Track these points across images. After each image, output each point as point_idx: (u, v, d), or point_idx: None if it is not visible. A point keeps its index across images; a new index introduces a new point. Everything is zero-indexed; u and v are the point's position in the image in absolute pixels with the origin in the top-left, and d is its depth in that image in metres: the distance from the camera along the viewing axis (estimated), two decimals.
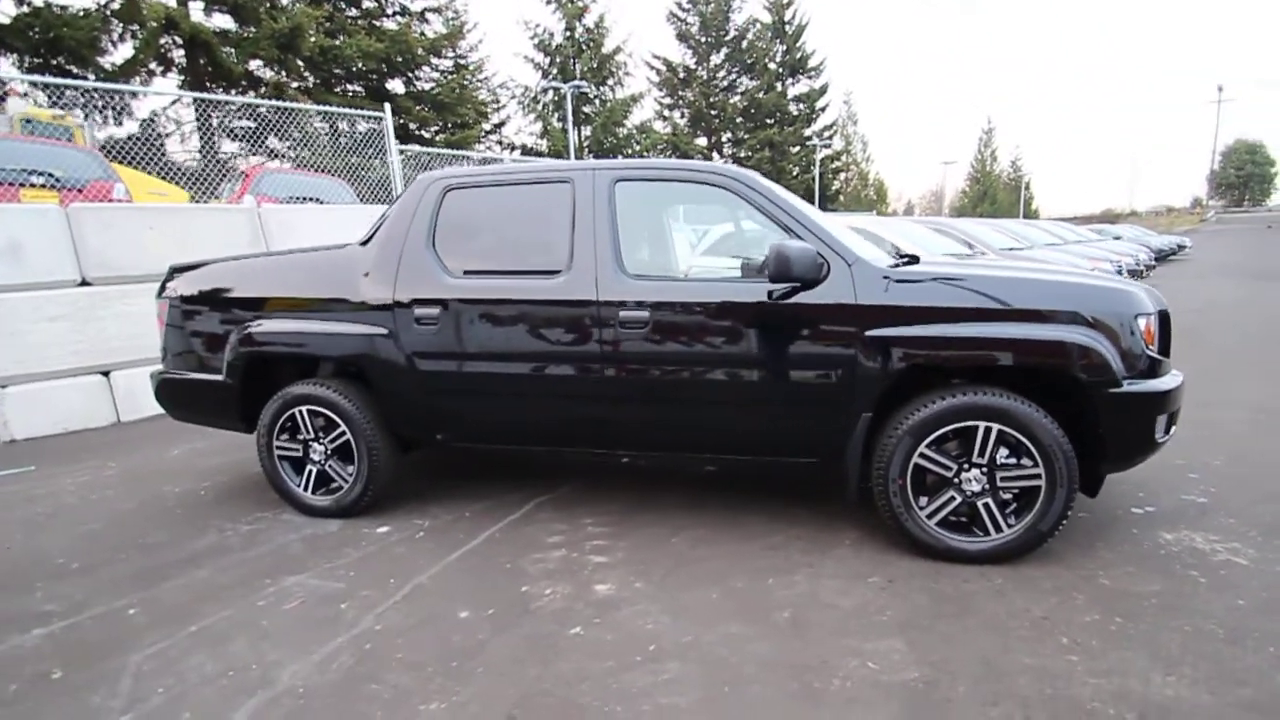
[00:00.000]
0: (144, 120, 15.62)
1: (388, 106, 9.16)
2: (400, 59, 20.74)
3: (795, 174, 38.45)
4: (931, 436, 2.60)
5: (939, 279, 2.70)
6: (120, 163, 7.65)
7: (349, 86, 20.35)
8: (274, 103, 10.24)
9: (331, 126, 12.63)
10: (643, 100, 32.75)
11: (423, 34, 21.80)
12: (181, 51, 16.71)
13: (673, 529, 3.11)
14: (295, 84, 18.35)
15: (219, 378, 3.41)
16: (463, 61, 24.13)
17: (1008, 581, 2.54)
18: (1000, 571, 2.61)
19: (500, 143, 27.89)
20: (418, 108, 21.55)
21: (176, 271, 3.63)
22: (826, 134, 40.61)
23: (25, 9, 14.12)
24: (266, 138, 13.29)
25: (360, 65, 19.54)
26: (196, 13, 16.65)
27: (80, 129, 8.19)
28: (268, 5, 17.16)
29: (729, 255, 3.72)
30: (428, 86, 22.45)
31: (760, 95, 38.66)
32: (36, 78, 10.73)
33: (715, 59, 38.87)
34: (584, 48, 30.50)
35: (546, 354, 3.01)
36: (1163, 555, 2.73)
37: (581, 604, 2.50)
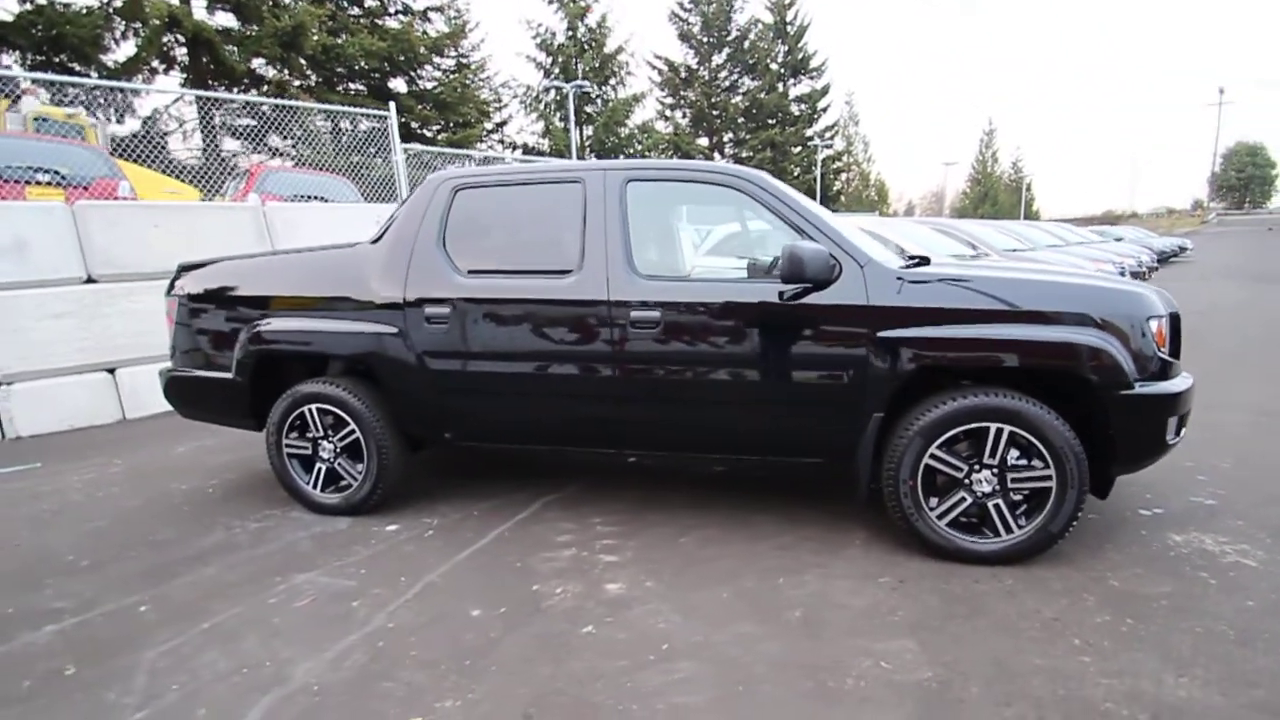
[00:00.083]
0: (146, 118, 15.62)
1: (393, 105, 9.14)
2: (402, 58, 20.73)
3: (796, 174, 38.44)
4: (943, 437, 2.61)
5: (951, 280, 2.70)
6: (133, 161, 7.66)
7: (351, 85, 20.34)
8: (277, 100, 10.25)
9: (334, 125, 12.62)
10: (644, 100, 32.74)
11: (425, 33, 21.79)
12: (184, 49, 16.71)
13: (681, 529, 3.11)
14: (298, 82, 18.35)
15: (228, 375, 3.41)
16: (465, 61, 24.13)
17: (1018, 582, 2.54)
18: (1010, 572, 2.61)
19: (502, 142, 27.90)
20: (420, 106, 21.54)
21: (185, 269, 3.63)
22: (828, 134, 40.61)
23: (28, 6, 14.11)
24: (268, 136, 13.29)
25: (362, 64, 19.53)
26: (199, 10, 16.65)
27: (93, 128, 8.18)
28: (270, 3, 17.16)
29: (733, 255, 3.72)
30: (430, 85, 22.45)
31: (762, 95, 38.66)
32: (39, 75, 10.73)
33: (717, 59, 38.87)
34: (586, 47, 30.47)
35: (557, 353, 3.01)
36: (1172, 557, 2.74)
37: (592, 603, 2.50)
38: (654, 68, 38.09)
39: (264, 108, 10.48)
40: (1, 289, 5.01)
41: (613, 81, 31.56)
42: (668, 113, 38.63)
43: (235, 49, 16.97)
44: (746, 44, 38.64)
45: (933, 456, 2.63)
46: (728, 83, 39.31)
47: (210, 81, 16.78)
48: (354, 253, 3.34)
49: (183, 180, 8.40)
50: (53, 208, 5.33)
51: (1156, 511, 3.17)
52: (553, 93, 28.61)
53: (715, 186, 3.02)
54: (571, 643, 2.25)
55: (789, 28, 39.30)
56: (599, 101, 30.55)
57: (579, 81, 25.80)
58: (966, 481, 2.64)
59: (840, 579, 2.62)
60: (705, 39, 38.32)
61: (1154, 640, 2.18)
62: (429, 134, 21.97)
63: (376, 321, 3.18)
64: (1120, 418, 2.54)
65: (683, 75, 38.57)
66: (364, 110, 10.48)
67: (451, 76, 22.96)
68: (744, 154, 38.02)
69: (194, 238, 5.77)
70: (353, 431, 3.25)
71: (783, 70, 39.61)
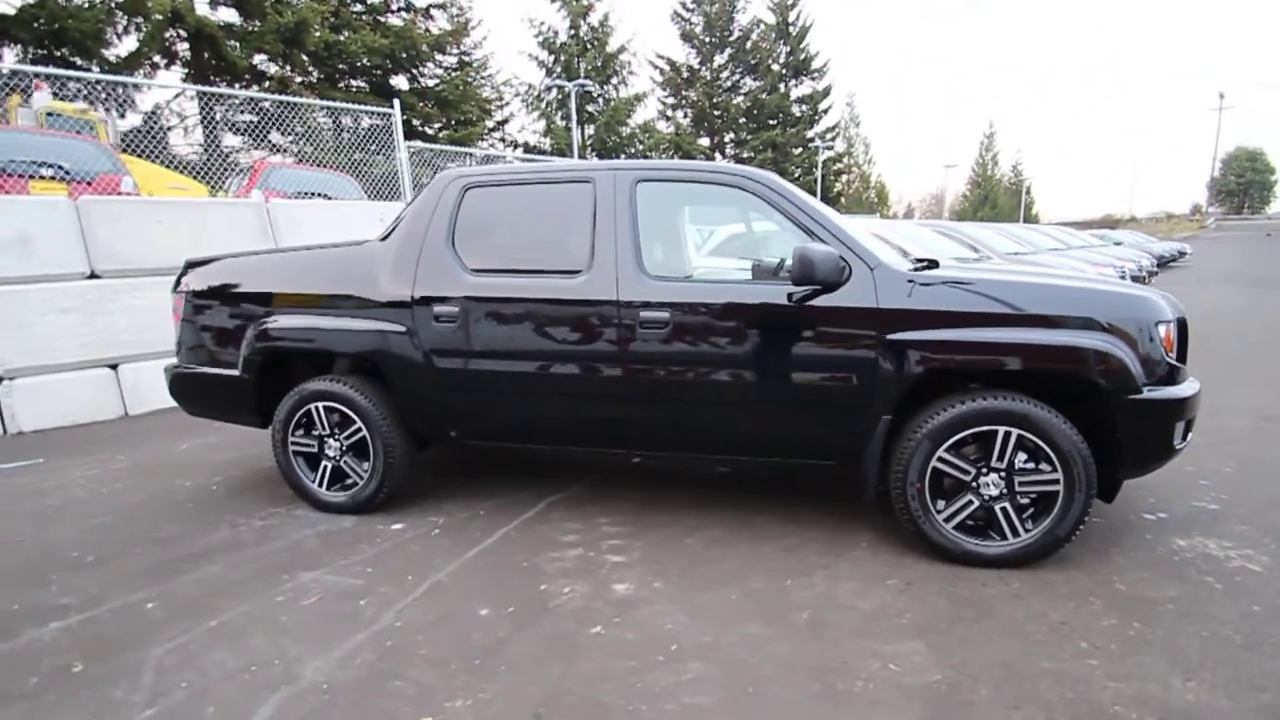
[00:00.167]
0: (147, 113, 15.57)
1: (396, 103, 9.12)
2: (405, 55, 20.70)
3: (797, 175, 38.40)
4: (951, 440, 2.61)
5: (961, 284, 2.70)
6: (139, 157, 7.64)
7: (353, 82, 20.32)
8: (279, 97, 10.22)
9: (335, 122, 12.61)
10: (646, 100, 32.71)
11: (427, 30, 21.76)
12: (186, 45, 16.67)
13: (687, 529, 3.12)
14: (300, 79, 18.33)
15: (235, 372, 3.41)
16: (467, 58, 24.10)
17: (1025, 586, 2.55)
18: (1017, 576, 2.62)
19: (504, 140, 27.89)
20: (422, 104, 21.50)
21: (192, 266, 3.62)
22: (829, 136, 40.56)
23: (31, 0, 14.07)
24: (270, 132, 13.26)
25: (365, 61, 19.52)
26: (202, 6, 16.62)
27: (103, 124, 8.16)
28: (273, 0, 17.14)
29: (738, 256, 3.72)
30: (432, 83, 22.42)
31: (763, 96, 38.63)
32: (40, 69, 10.69)
33: (719, 59, 38.83)
34: (588, 46, 30.46)
35: (566, 353, 3.01)
36: (1177, 561, 2.74)
37: (600, 603, 2.50)
38: (656, 67, 38.07)
39: (266, 104, 10.46)
40: (5, 284, 5.00)
41: (614, 81, 31.56)
42: (669, 113, 38.59)
43: (237, 44, 16.92)
44: (748, 44, 38.60)
45: (940, 459, 2.64)
46: (729, 83, 39.28)
47: (212, 77, 16.75)
48: (362, 250, 3.33)
49: (185, 176, 8.38)
50: (56, 202, 5.32)
51: (1160, 516, 3.18)
52: (554, 91, 28.60)
53: (725, 187, 3.02)
54: (580, 643, 2.25)
55: (791, 29, 39.26)
56: (601, 100, 30.54)
57: (581, 80, 25.79)
58: (974, 484, 2.65)
59: (847, 581, 2.63)
60: (707, 39, 38.28)
61: (1161, 644, 2.19)
62: (430, 131, 21.95)
63: (384, 320, 3.17)
64: (1128, 422, 2.54)
65: (684, 75, 38.53)
66: (368, 107, 10.46)
67: (453, 74, 22.94)
68: (745, 155, 38.01)
69: (197, 233, 5.76)
70: (359, 429, 3.24)
71: (784, 71, 39.58)
